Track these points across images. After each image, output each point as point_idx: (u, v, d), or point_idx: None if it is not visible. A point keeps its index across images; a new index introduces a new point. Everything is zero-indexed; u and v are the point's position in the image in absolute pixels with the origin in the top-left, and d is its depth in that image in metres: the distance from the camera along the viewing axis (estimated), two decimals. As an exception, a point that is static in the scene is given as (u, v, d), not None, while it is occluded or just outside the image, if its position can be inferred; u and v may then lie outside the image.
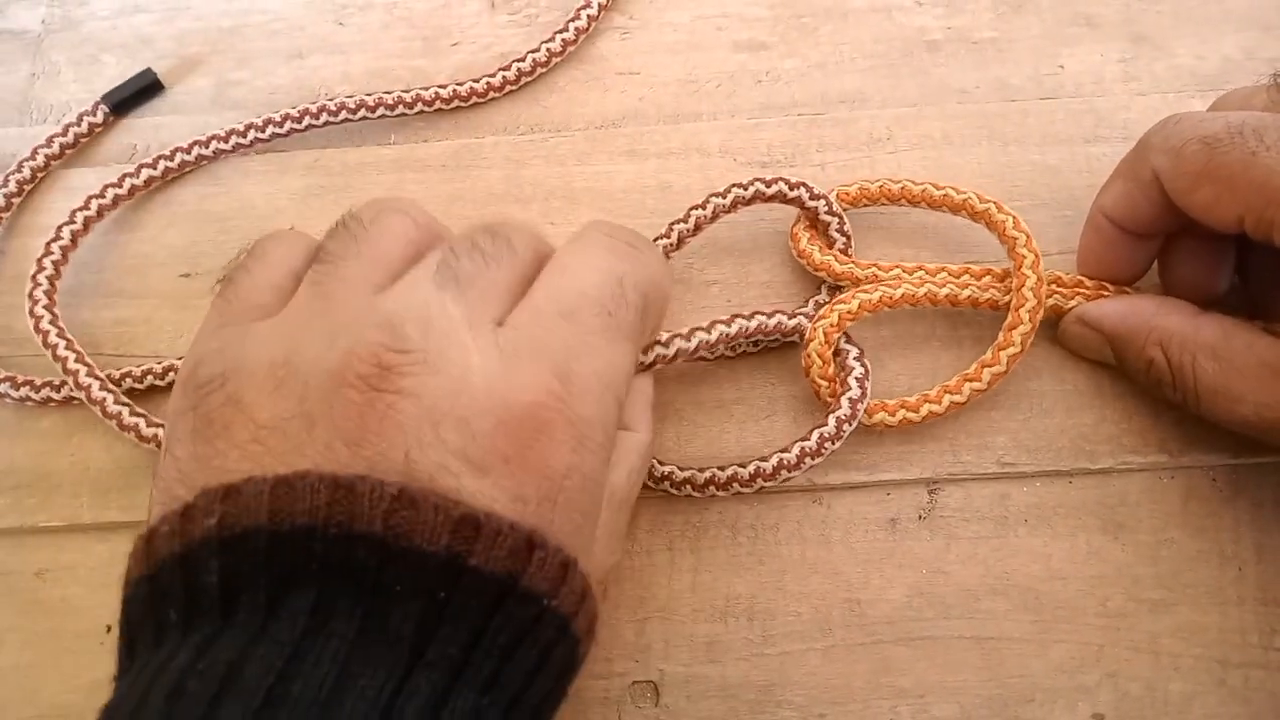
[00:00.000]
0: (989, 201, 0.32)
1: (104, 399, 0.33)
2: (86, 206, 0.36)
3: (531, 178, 0.37)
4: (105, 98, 0.39)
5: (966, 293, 0.31)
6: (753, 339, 0.31)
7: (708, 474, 0.30)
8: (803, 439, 0.30)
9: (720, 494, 0.31)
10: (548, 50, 0.38)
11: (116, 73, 0.40)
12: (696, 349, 0.29)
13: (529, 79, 0.38)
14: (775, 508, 0.32)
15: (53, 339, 0.33)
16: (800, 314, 0.31)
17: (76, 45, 0.41)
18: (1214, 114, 0.28)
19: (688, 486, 0.31)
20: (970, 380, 0.31)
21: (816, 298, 0.33)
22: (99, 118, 0.38)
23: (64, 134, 0.38)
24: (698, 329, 0.30)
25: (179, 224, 0.37)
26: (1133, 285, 0.32)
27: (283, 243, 0.26)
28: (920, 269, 0.32)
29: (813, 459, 0.30)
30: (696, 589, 0.31)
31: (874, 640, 0.30)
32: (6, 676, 0.31)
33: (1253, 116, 0.27)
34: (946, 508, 0.31)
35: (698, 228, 0.33)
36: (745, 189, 0.33)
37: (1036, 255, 0.31)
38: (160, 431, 0.32)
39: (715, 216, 0.33)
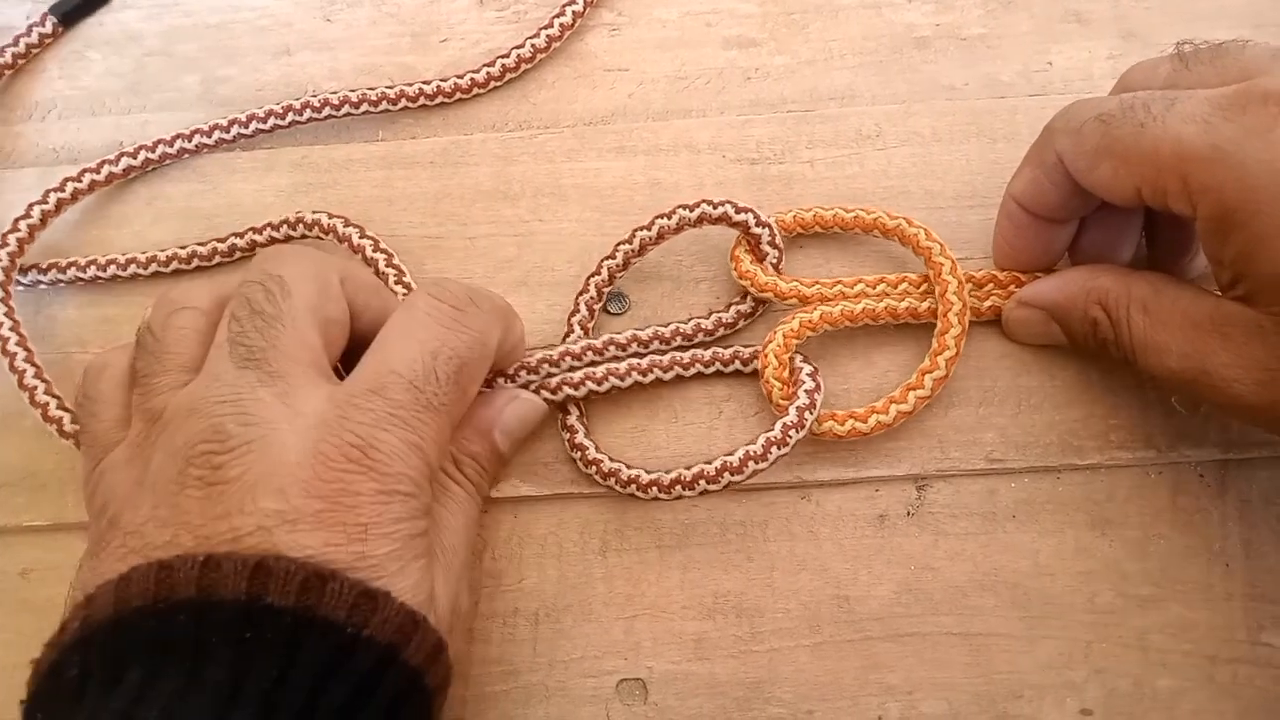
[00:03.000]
0: (898, 218, 0.33)
1: (35, 386, 0.33)
2: (61, 189, 0.36)
3: (520, 174, 0.37)
4: (53, 9, 0.39)
5: (905, 304, 0.32)
6: (693, 368, 0.33)
7: (654, 476, 0.31)
8: (749, 443, 0.30)
9: (663, 497, 0.31)
10: (533, 46, 0.38)
11: (103, 69, 0.40)
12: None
13: (514, 75, 0.38)
14: (764, 505, 0.31)
15: None
16: (737, 345, 0.33)
17: (63, 41, 0.41)
18: (1112, 96, 0.29)
19: (632, 486, 0.31)
20: (914, 389, 0.31)
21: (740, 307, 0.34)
22: (48, 28, 0.39)
23: (14, 44, 0.39)
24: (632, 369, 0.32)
25: (165, 221, 0.37)
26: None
27: (105, 378, 0.29)
28: (860, 281, 0.33)
29: (757, 463, 0.30)
30: (685, 586, 0.31)
31: (862, 637, 0.30)
32: (-9, 676, 0.31)
33: (1144, 93, 0.28)
34: (935, 504, 0.31)
35: (643, 249, 0.33)
36: (691, 211, 0.33)
37: (953, 261, 0.32)
38: None
39: (661, 237, 0.33)
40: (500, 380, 0.32)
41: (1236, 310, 0.27)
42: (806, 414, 0.30)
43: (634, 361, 0.32)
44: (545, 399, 0.32)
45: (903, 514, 0.31)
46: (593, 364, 0.32)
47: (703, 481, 0.30)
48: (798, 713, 0.29)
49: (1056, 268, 0.33)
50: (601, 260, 0.34)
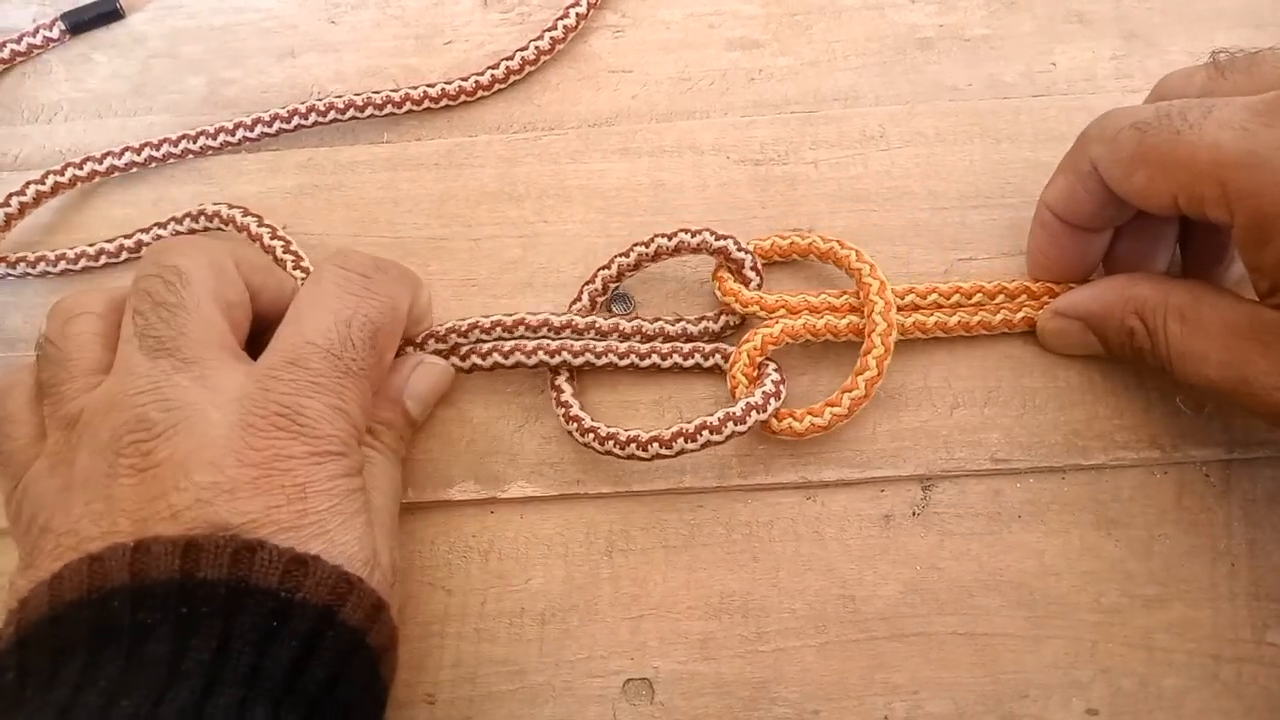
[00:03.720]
0: (831, 241, 0.33)
1: None
2: (60, 173, 0.36)
3: (524, 176, 0.37)
4: (65, 16, 0.40)
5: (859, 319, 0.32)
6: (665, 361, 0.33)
7: (632, 433, 0.31)
8: (707, 415, 0.30)
9: (640, 455, 0.30)
10: (537, 49, 0.38)
11: (109, 71, 0.40)
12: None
13: (518, 78, 0.38)
14: (769, 505, 0.32)
15: None
16: (715, 346, 0.33)
17: (68, 44, 0.41)
18: (1148, 105, 0.29)
19: (611, 442, 0.31)
20: (831, 406, 0.31)
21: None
22: (55, 34, 0.40)
23: (17, 42, 0.39)
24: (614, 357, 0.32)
25: (171, 223, 0.37)
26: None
27: (12, 397, 0.29)
28: (845, 294, 0.33)
29: (713, 434, 0.30)
30: (691, 586, 0.31)
31: (868, 636, 0.30)
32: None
33: (1180, 101, 0.28)
34: (940, 504, 0.31)
35: (620, 275, 0.34)
36: (670, 239, 0.33)
37: (882, 282, 0.32)
38: None
39: (639, 265, 0.33)
40: (409, 349, 0.32)
41: (1276, 318, 0.26)
42: (781, 387, 0.31)
43: (591, 343, 0.32)
44: (455, 364, 0.32)
45: (908, 514, 0.31)
46: (524, 335, 0.32)
47: (681, 440, 0.30)
48: (804, 712, 0.29)
49: (1090, 278, 0.32)
50: (615, 256, 0.33)
